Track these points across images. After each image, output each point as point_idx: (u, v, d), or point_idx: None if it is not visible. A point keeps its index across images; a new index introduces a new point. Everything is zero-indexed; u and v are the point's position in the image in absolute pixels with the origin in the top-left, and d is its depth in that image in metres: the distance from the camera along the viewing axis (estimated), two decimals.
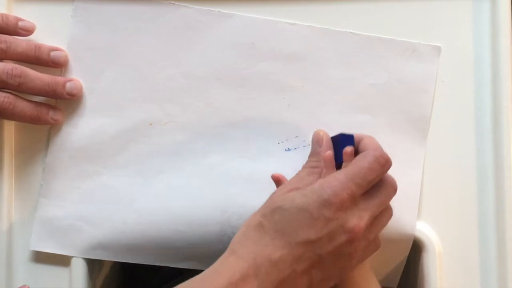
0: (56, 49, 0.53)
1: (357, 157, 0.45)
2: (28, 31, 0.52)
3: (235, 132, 0.54)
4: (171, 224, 0.53)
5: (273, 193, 0.46)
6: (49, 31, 0.54)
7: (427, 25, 0.54)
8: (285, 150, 0.54)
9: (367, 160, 0.43)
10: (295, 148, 0.54)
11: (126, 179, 0.53)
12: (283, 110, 0.53)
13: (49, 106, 0.53)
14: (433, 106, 0.53)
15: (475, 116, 0.54)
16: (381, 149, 0.45)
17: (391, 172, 0.51)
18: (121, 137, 0.54)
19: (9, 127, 0.54)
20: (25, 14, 0.53)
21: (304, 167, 0.48)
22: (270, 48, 0.53)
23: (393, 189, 0.45)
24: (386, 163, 0.44)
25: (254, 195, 0.52)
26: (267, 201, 0.45)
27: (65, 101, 0.53)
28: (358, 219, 0.42)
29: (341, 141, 0.48)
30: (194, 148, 0.53)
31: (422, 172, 0.53)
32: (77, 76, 0.54)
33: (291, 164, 0.53)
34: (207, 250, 0.53)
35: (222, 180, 0.53)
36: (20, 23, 0.52)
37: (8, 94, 0.51)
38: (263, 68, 0.53)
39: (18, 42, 0.51)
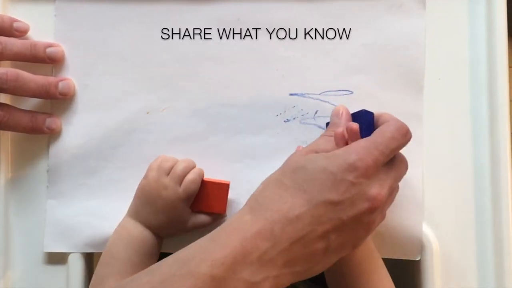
0: (51, 45, 0.53)
1: (380, 127, 0.44)
2: (22, 32, 0.53)
3: (232, 109, 0.54)
4: None
5: (290, 157, 0.45)
6: (44, 31, 0.54)
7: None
8: (284, 121, 0.54)
9: (390, 129, 0.43)
10: (294, 118, 0.54)
11: (130, 170, 0.54)
12: (277, 81, 0.53)
13: (45, 115, 0.53)
14: (429, 104, 0.53)
15: (471, 113, 0.53)
16: (401, 121, 0.44)
17: None
18: (120, 129, 0.54)
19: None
20: (20, 14, 0.53)
21: (322, 135, 0.48)
22: (256, 22, 0.53)
23: (405, 166, 0.45)
24: (407, 133, 0.44)
25: (259, 169, 0.53)
26: (286, 162, 0.44)
27: (61, 100, 0.54)
28: (380, 187, 0.41)
29: (362, 117, 0.47)
30: (194, 131, 0.54)
31: (422, 125, 0.53)
32: (68, 74, 0.54)
33: (292, 135, 0.53)
34: None
35: (225, 159, 0.53)
36: (15, 24, 0.52)
37: (2, 106, 0.51)
38: (251, 42, 0.53)
39: (13, 42, 0.51)
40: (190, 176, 0.50)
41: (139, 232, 0.50)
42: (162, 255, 0.52)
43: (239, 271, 0.38)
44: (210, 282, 0.38)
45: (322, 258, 0.41)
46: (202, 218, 0.52)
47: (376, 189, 0.41)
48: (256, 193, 0.43)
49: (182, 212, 0.50)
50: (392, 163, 0.44)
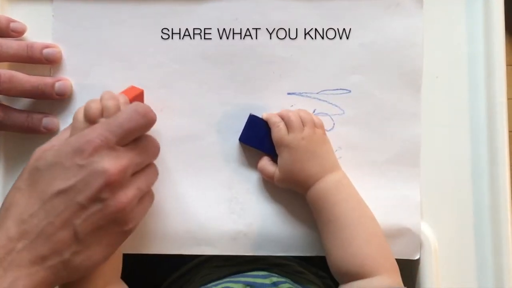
0: (48, 46, 0.52)
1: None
2: (19, 33, 0.52)
3: (231, 109, 0.54)
4: (179, 208, 0.53)
5: (33, 154, 0.44)
6: (42, 31, 0.53)
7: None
8: None
9: (126, 111, 0.44)
10: None
11: None
12: (275, 81, 0.54)
13: (42, 115, 0.53)
14: (427, 102, 0.54)
15: (469, 112, 0.54)
16: (143, 104, 0.45)
17: (390, 126, 0.53)
18: None
19: None
20: (18, 14, 0.53)
21: (67, 127, 0.48)
22: (254, 22, 0.53)
23: (153, 147, 0.46)
24: (146, 114, 0.44)
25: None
26: (24, 168, 0.44)
27: (59, 101, 0.53)
28: (113, 161, 0.42)
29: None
30: (192, 130, 0.54)
31: (420, 124, 0.53)
32: (66, 74, 0.54)
33: None
34: (218, 232, 0.53)
35: (224, 158, 0.53)
36: (11, 25, 0.52)
37: None
38: (249, 42, 0.53)
39: (9, 44, 0.51)
40: None
41: None
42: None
43: None
44: None
45: (77, 246, 0.41)
46: None
47: (108, 163, 0.41)
48: (1, 205, 0.43)
49: None
50: (135, 144, 0.44)
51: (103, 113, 0.45)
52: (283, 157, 0.50)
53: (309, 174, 0.50)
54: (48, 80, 0.52)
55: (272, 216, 0.53)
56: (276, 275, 0.53)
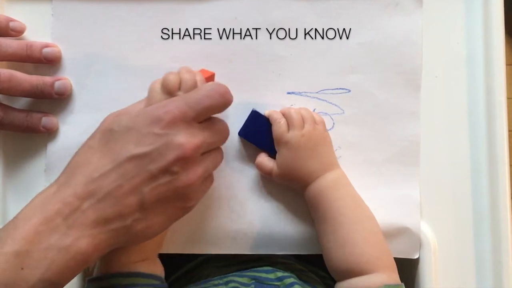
0: (48, 46, 0.52)
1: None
2: (18, 32, 0.52)
3: (231, 109, 0.52)
4: None
5: (102, 121, 0.45)
6: (41, 30, 0.53)
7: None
8: None
9: (206, 88, 0.44)
10: None
11: None
12: (274, 81, 0.54)
13: (41, 114, 0.53)
14: (427, 102, 0.54)
15: (468, 111, 0.54)
16: (224, 84, 0.44)
17: (390, 125, 0.53)
18: None
19: None
20: (17, 14, 0.53)
21: (142, 100, 0.47)
22: (253, 21, 0.53)
23: (224, 131, 0.46)
24: (225, 93, 0.44)
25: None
26: (97, 127, 0.45)
27: (58, 100, 0.53)
28: (189, 137, 0.42)
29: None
30: None
31: (419, 123, 0.53)
32: (66, 73, 0.54)
33: None
34: (218, 231, 0.53)
35: (224, 157, 0.53)
36: (11, 24, 0.52)
37: None
38: (249, 42, 0.53)
39: (9, 43, 0.51)
40: None
41: None
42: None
43: (45, 240, 0.39)
44: (14, 259, 0.38)
45: (141, 213, 0.42)
46: None
47: (184, 138, 0.41)
48: (69, 162, 0.43)
49: None
50: (209, 124, 0.44)
51: (180, 86, 0.45)
52: (282, 153, 0.50)
53: (307, 171, 0.50)
54: (47, 79, 0.52)
55: (272, 215, 0.53)
56: (281, 270, 0.53)
